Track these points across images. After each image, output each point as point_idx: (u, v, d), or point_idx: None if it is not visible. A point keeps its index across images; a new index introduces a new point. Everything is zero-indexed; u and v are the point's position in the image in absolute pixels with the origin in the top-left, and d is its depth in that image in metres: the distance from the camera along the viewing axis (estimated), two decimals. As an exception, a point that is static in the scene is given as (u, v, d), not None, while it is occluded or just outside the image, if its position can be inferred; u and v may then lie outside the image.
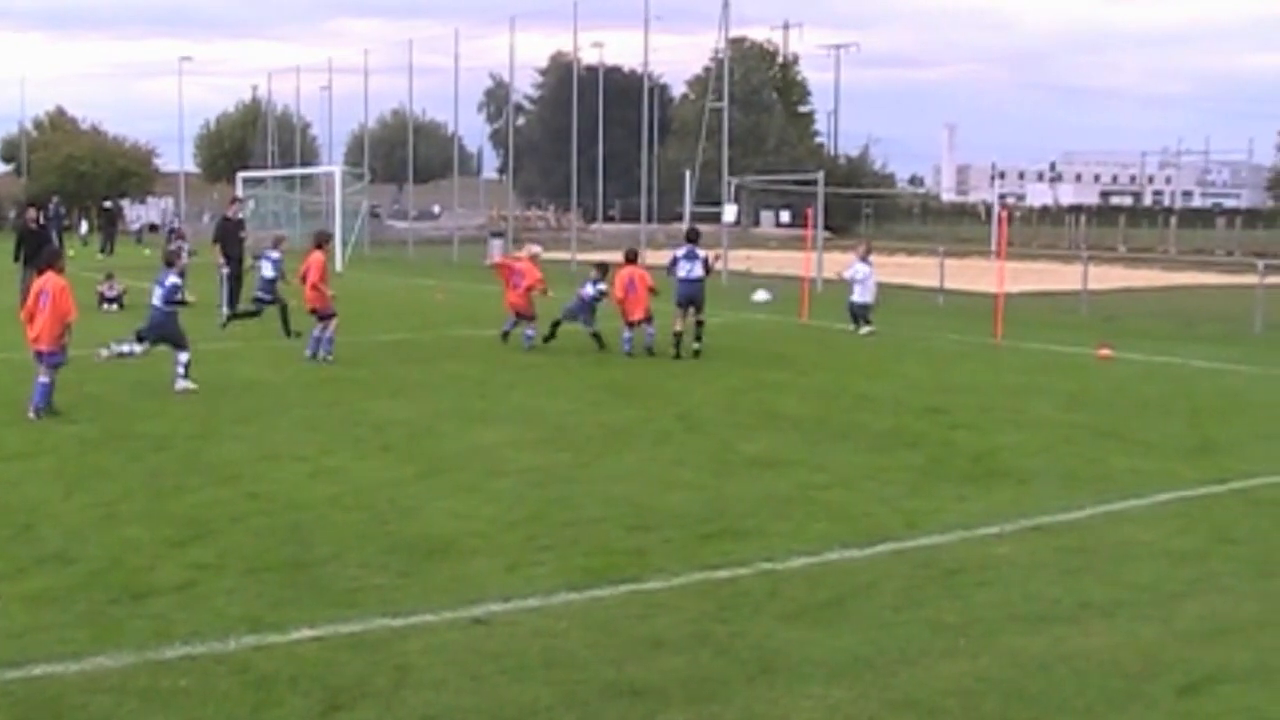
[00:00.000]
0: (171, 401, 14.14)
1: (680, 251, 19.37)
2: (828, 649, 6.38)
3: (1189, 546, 8.44)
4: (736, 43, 67.44)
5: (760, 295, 28.41)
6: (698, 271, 18.90)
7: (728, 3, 42.20)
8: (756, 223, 72.23)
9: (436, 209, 72.89)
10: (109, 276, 27.22)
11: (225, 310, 23.06)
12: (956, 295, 28.81)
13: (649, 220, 47.07)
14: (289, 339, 20.20)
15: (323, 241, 19.24)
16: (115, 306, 25.73)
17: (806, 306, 25.27)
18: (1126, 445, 12.02)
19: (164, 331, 15.15)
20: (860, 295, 22.51)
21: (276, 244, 22.35)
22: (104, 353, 15.34)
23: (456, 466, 10.72)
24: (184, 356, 15.04)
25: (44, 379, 13.02)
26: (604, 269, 20.01)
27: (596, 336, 19.21)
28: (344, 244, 44.69)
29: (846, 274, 22.98)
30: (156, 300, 15.20)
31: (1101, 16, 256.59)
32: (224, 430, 12.35)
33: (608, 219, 63.46)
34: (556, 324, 19.50)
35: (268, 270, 21.24)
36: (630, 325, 18.99)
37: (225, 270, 23.81)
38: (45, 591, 7.19)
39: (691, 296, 18.77)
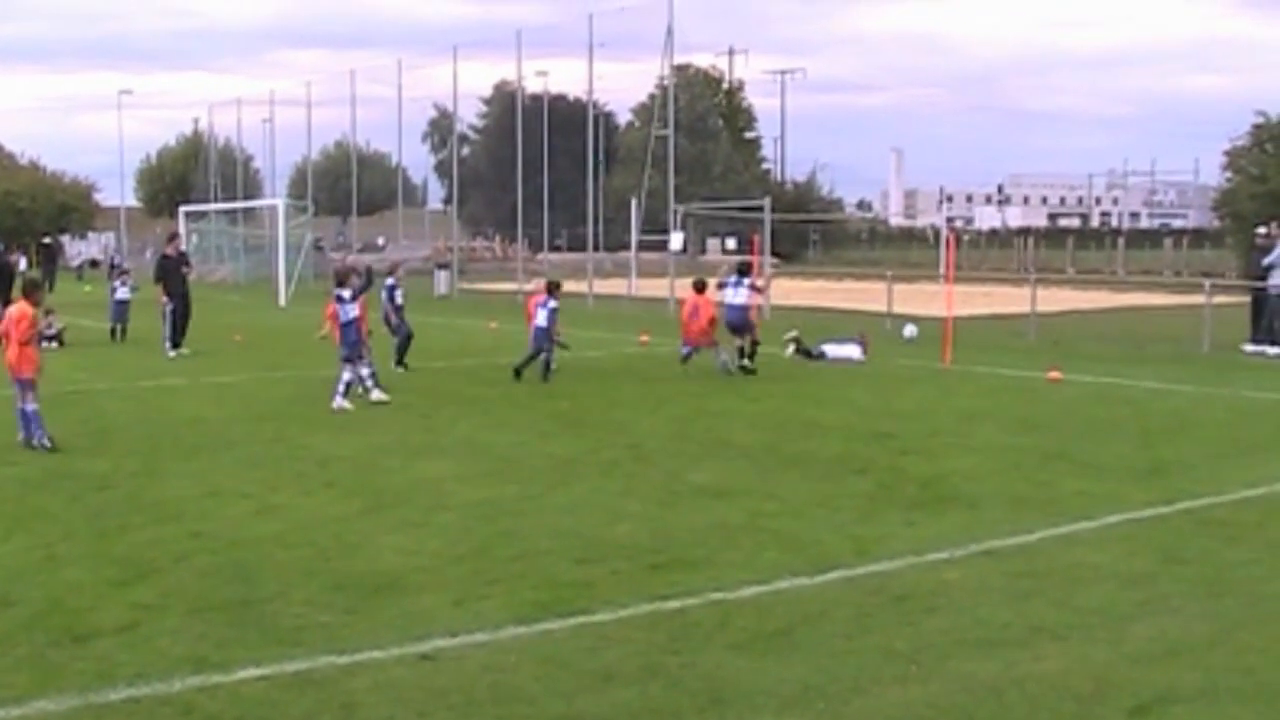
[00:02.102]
0: (113, 440, 14.02)
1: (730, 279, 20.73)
2: (779, 678, 6.42)
3: (1139, 568, 8.54)
4: (681, 69, 67.74)
5: (909, 330, 27.17)
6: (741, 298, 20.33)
7: (672, 30, 42.49)
8: (703, 250, 72.48)
9: (381, 241, 72.68)
10: (48, 313, 26.94)
11: (169, 345, 23.13)
12: (905, 320, 29.05)
13: (596, 249, 47.17)
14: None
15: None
16: (55, 344, 25.46)
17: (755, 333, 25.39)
18: (1076, 468, 12.15)
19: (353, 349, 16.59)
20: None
21: (393, 271, 21.86)
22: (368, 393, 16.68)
23: (401, 501, 10.69)
24: (346, 376, 16.40)
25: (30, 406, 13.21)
26: (556, 286, 20.04)
27: (548, 365, 19.18)
28: (287, 278, 44.50)
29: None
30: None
31: (1045, 40, 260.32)
32: (166, 468, 12.27)
33: (554, 249, 63.39)
34: (529, 360, 19.25)
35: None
36: (688, 345, 20.29)
37: (169, 307, 23.91)
38: None
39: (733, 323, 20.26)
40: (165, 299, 23.91)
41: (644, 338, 25.74)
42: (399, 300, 20.91)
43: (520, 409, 16.46)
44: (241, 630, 7.19)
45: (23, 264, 65.53)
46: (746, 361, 20.05)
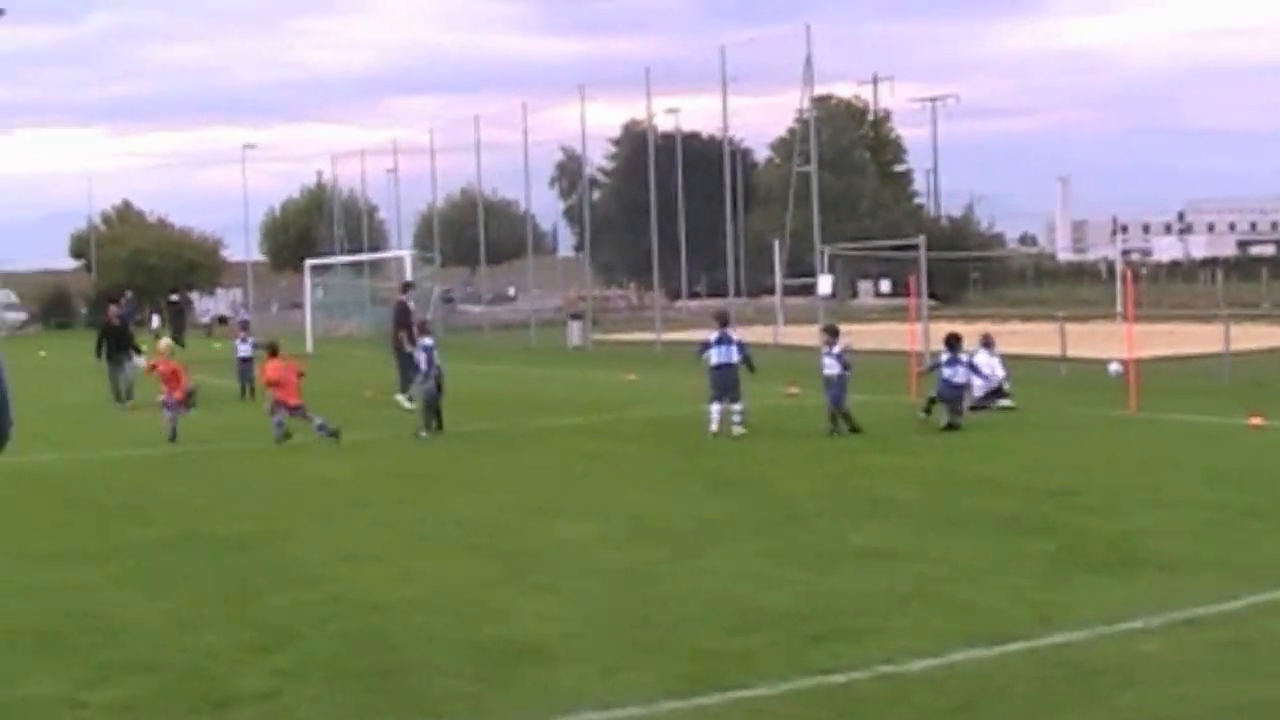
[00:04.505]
0: (246, 501, 14.43)
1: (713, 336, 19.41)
2: (960, 758, 6.26)
3: (1357, 637, 8.20)
4: (822, 101, 67.63)
5: (1114, 368, 26.57)
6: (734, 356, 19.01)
7: (810, 59, 42.45)
8: (854, 294, 72.10)
9: (511, 291, 73.61)
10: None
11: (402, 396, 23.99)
12: (1081, 364, 28.42)
13: (737, 294, 47.15)
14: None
15: None
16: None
17: (914, 384, 25.10)
18: (1280, 526, 11.75)
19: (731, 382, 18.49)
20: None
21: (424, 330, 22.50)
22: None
23: (542, 565, 10.74)
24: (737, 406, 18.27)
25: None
26: (834, 332, 19.85)
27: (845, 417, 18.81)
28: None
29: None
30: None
31: (1216, 49, 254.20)
32: (301, 530, 12.61)
33: (693, 295, 63.66)
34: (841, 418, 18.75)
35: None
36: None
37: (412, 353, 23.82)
38: (129, 700, 7.40)
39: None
40: (408, 347, 24.20)
41: (792, 389, 25.59)
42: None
43: (661, 467, 16.47)
44: (382, 699, 7.31)
45: (155, 321, 67.86)
46: (946, 418, 19.11)
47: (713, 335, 19.41)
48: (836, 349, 19.16)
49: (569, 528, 12.38)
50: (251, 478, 16.32)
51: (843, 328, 21.71)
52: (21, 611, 9.55)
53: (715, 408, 18.80)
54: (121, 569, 11.00)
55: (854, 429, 18.59)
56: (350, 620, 9.03)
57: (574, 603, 9.46)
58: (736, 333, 19.58)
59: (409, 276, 47.03)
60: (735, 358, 19.01)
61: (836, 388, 18.90)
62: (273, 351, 19.94)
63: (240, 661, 8.10)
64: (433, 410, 20.08)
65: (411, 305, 27.33)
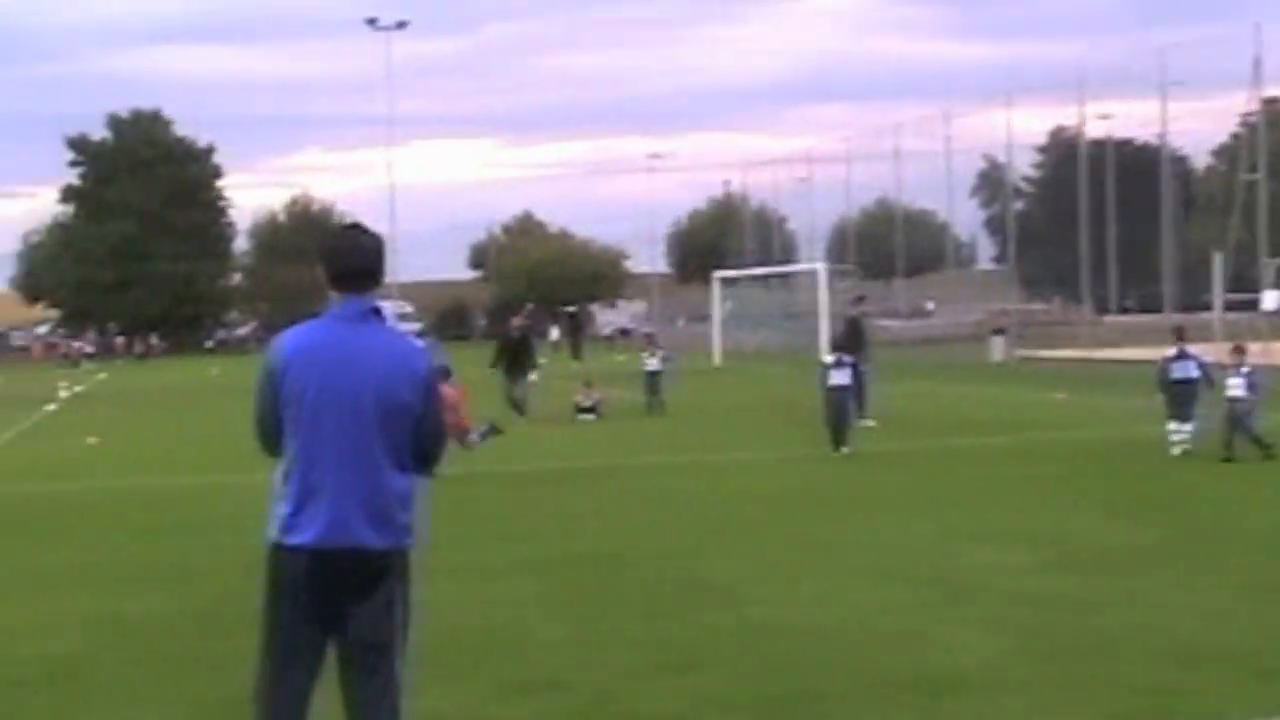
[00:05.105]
0: (655, 516, 14.64)
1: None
2: None
3: None
4: (1270, 103, 63.85)
5: None
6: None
7: (1260, 60, 40.19)
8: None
9: (930, 305, 72.73)
10: (587, 385, 28.69)
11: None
12: None
13: (1171, 310, 45.08)
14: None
15: None
16: (591, 416, 27.08)
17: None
18: None
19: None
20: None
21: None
22: None
23: (964, 591, 10.48)
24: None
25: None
26: (1243, 351, 18.87)
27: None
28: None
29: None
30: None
31: None
32: (710, 549, 12.62)
33: (1123, 309, 61.24)
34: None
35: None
36: None
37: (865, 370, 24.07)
38: (537, 718, 7.51)
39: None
40: (862, 364, 23.98)
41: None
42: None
43: (1093, 491, 15.85)
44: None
45: (554, 334, 70.58)
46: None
47: (1170, 350, 18.92)
48: (1245, 369, 18.10)
49: (992, 553, 12.04)
50: (654, 493, 16.51)
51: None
52: (431, 624, 9.90)
53: (1173, 426, 18.25)
54: (523, 585, 11.06)
55: (1269, 454, 17.46)
56: (764, 643, 8.96)
57: (997, 632, 9.17)
58: (1193, 348, 18.97)
59: (823, 290, 47.36)
60: (1195, 373, 18.43)
61: (1242, 411, 17.79)
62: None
63: (651, 682, 8.08)
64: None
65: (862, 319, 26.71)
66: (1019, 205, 78.41)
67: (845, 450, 19.46)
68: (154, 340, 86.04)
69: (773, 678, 8.16)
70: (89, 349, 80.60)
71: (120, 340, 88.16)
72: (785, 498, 15.91)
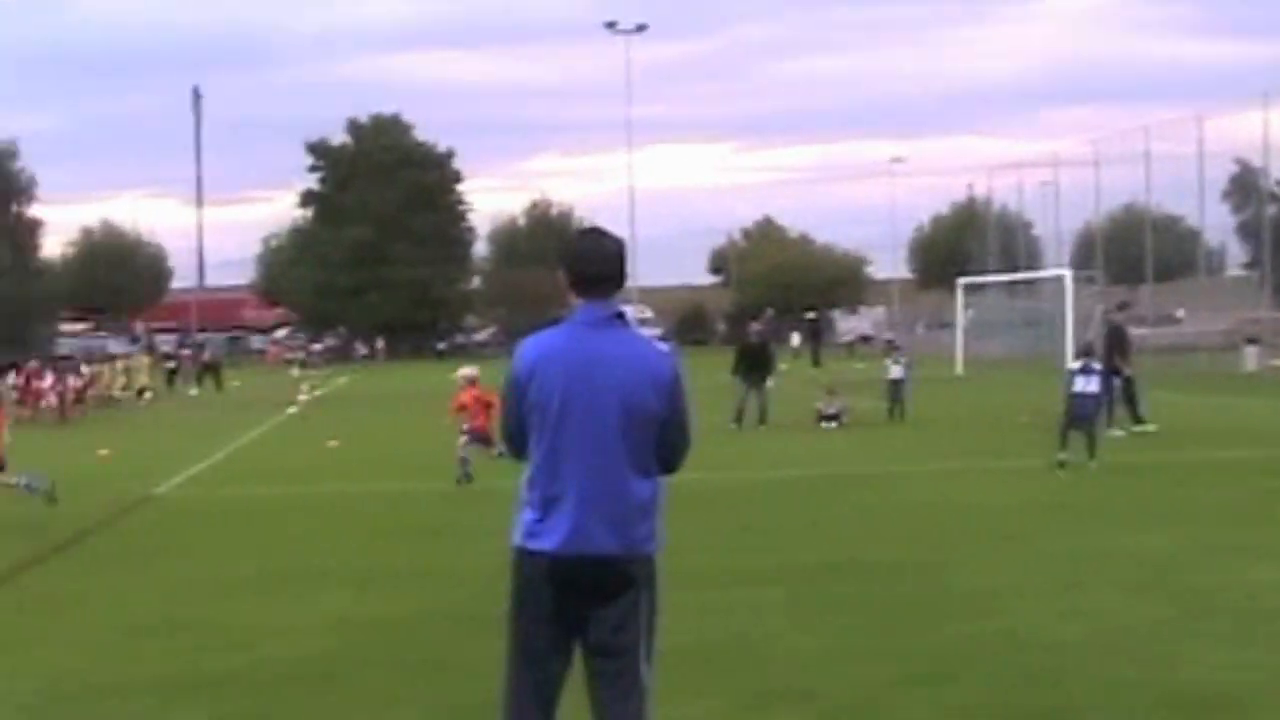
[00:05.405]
0: (894, 526, 14.59)
1: None
2: None
3: None
4: None
5: None
6: None
7: None
8: None
9: (1180, 313, 70.27)
10: (830, 392, 28.59)
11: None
12: None
13: None
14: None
15: None
16: (833, 424, 27.01)
17: None
18: None
19: None
20: None
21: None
22: None
23: (1223, 608, 10.21)
24: None
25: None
26: None
27: None
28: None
29: None
30: None
31: None
32: (957, 560, 12.53)
33: (1386, 319, 58.26)
34: None
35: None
36: None
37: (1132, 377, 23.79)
38: None
39: None
40: (1126, 370, 23.78)
41: None
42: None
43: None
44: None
45: (795, 339, 70.25)
46: None
47: None
48: None
49: (1255, 568, 11.69)
50: (898, 502, 16.40)
51: None
52: (678, 631, 10.03)
53: None
54: (768, 593, 11.08)
55: None
56: (1016, 656, 8.88)
57: (1265, 650, 8.92)
58: None
59: (1069, 296, 46.27)
60: None
61: None
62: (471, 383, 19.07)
63: (904, 695, 8.07)
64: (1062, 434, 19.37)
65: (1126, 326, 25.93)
66: (1273, 210, 75.27)
67: (1093, 465, 18.88)
68: (379, 344, 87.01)
69: (1028, 691, 8.11)
70: (317, 348, 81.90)
71: (357, 344, 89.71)
72: (1029, 508, 15.65)
